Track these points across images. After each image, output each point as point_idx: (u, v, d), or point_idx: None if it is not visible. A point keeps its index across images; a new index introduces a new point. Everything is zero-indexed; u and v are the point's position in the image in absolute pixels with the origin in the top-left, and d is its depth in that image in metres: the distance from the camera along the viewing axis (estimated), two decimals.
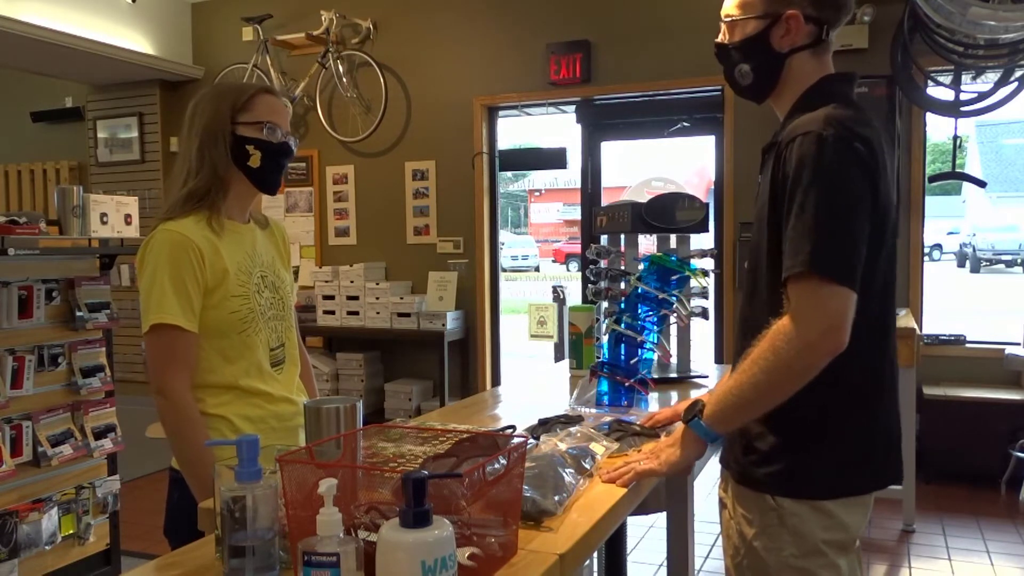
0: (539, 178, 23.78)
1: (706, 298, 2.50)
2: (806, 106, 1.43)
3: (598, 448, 1.54)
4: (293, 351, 1.89)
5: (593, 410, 1.92)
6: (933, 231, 17.32)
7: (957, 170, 4.64)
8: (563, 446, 1.50)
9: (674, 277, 2.19)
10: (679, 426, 1.49)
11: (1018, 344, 4.63)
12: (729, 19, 1.51)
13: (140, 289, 1.69)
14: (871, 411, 1.41)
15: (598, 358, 2.37)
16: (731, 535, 1.50)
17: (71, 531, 3.07)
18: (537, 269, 20.35)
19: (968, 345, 4.74)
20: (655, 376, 2.31)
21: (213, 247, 1.71)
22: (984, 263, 20.83)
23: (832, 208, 1.28)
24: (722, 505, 1.58)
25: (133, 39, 5.94)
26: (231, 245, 1.75)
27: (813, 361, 1.28)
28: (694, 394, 2.26)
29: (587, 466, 1.45)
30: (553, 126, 7.48)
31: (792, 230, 1.30)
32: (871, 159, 1.33)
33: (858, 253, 1.29)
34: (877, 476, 1.44)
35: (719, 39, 1.54)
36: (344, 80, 5.77)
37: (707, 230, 2.56)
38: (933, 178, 4.74)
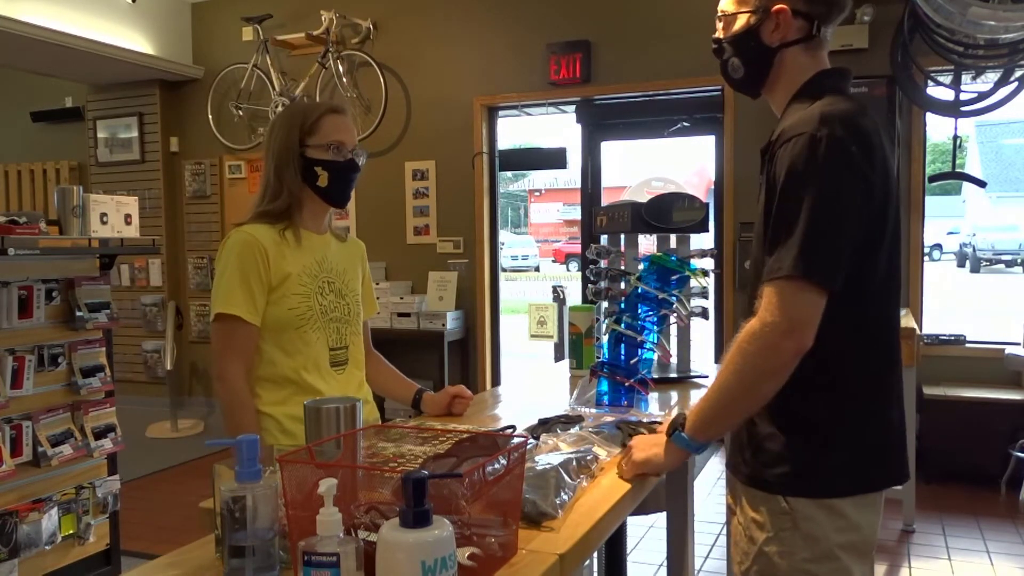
0: (539, 178, 23.79)
1: (706, 298, 2.50)
2: (800, 101, 1.43)
3: (600, 451, 1.54)
4: (358, 355, 2.02)
5: (593, 410, 1.92)
6: (933, 231, 17.30)
7: (957, 170, 4.63)
8: (564, 447, 1.49)
9: (674, 277, 2.19)
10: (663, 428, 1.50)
11: (1018, 344, 4.63)
12: (724, 14, 1.53)
13: (213, 283, 1.87)
14: (876, 410, 1.41)
15: (598, 358, 2.37)
16: (740, 541, 1.48)
17: (71, 531, 3.07)
18: (537, 269, 20.36)
19: (968, 345, 4.74)
20: (655, 376, 2.31)
21: (279, 249, 1.86)
22: (984, 263, 20.85)
23: (820, 217, 1.28)
24: (730, 512, 1.56)
25: (133, 39, 5.94)
26: (301, 250, 1.90)
27: (778, 362, 1.29)
28: (694, 394, 2.26)
29: (588, 466, 1.45)
30: (553, 126, 7.48)
31: (779, 235, 1.30)
32: (865, 159, 1.32)
33: (841, 259, 1.29)
34: (887, 472, 1.43)
35: (716, 34, 1.56)
36: (344, 80, 5.77)
37: (707, 230, 2.55)
38: (933, 178, 4.74)
